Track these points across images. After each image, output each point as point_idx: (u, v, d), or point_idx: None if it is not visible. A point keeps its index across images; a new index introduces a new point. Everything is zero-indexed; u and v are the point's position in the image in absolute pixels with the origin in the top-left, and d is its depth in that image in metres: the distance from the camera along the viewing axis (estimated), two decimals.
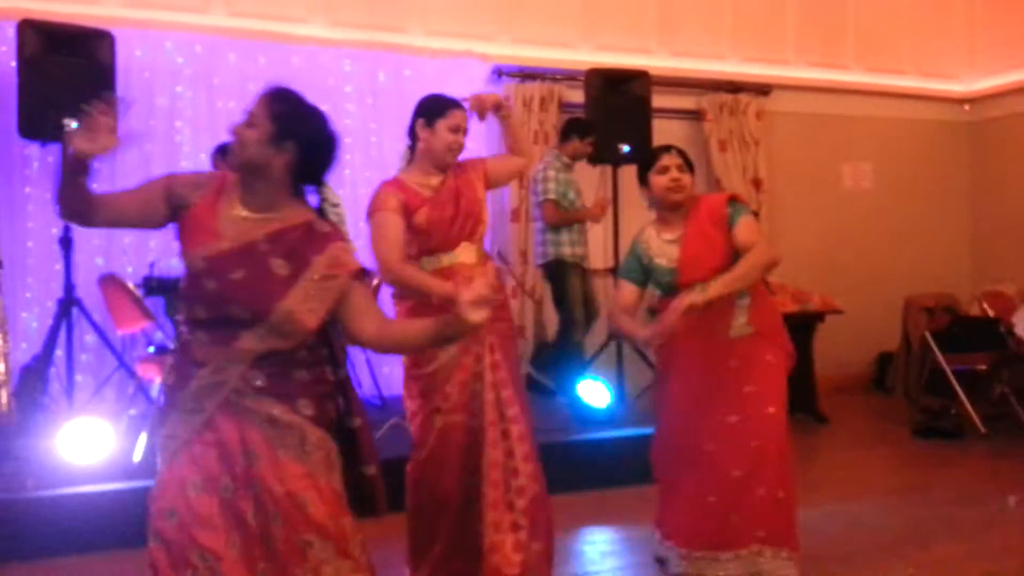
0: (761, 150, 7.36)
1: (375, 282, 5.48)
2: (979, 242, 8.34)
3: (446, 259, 3.01)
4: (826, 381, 6.79)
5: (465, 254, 3.03)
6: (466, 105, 3.10)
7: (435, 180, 3.06)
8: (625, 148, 5.91)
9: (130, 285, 4.94)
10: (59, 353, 5.00)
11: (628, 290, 3.21)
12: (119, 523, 3.57)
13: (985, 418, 5.88)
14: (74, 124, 2.26)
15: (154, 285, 4.97)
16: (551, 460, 3.24)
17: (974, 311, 6.79)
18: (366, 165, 6.09)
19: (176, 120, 5.72)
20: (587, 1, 6.95)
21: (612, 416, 5.19)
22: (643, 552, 3.54)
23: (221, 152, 4.94)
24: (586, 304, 5.91)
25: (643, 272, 3.20)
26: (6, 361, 4.56)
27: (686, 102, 7.24)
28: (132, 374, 5.03)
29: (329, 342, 2.16)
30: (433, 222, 2.98)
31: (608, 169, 6.34)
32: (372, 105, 6.21)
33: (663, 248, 3.15)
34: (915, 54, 8.12)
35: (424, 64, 6.31)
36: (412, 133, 3.09)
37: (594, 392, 5.25)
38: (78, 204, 2.06)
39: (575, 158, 5.88)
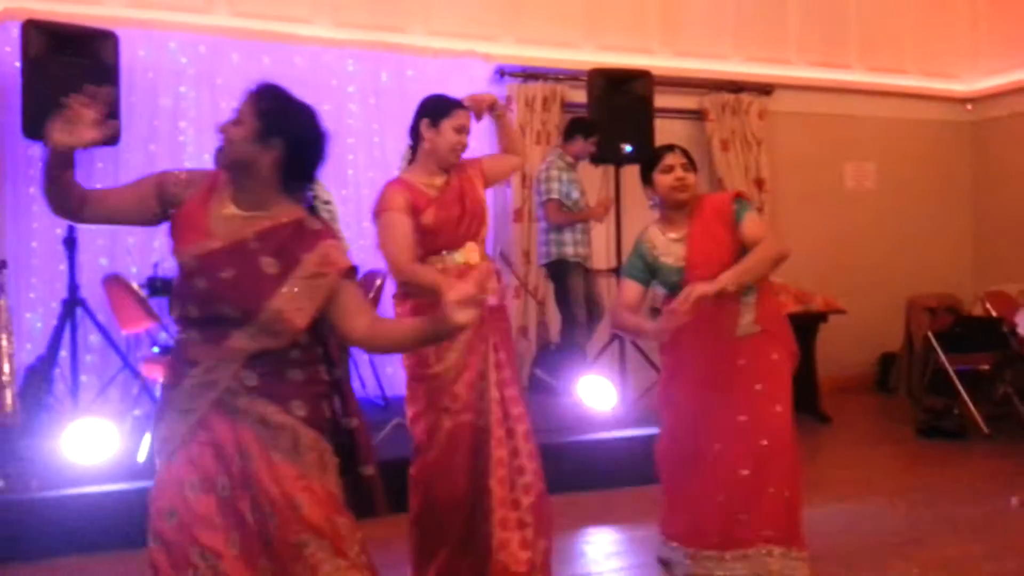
0: (763, 150, 7.36)
1: (378, 282, 5.52)
2: (982, 242, 8.33)
3: (456, 257, 3.01)
4: (829, 381, 6.80)
5: (470, 253, 3.04)
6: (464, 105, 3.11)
7: (439, 180, 3.06)
8: (627, 148, 5.91)
9: (134, 285, 4.94)
10: (63, 353, 5.01)
11: (632, 288, 3.20)
12: (123, 524, 3.56)
13: (988, 418, 5.88)
14: None
15: (158, 285, 4.99)
16: (554, 460, 3.25)
17: (977, 311, 6.80)
18: (369, 165, 6.09)
19: (180, 120, 5.72)
20: (589, 1, 6.94)
21: (615, 416, 5.18)
22: (646, 553, 3.53)
23: None
24: (590, 304, 5.91)
25: (647, 271, 3.19)
26: (10, 362, 4.56)
27: (688, 102, 7.24)
28: (136, 374, 5.04)
29: (324, 341, 2.15)
30: (441, 222, 2.99)
31: (611, 169, 6.34)
32: (375, 105, 6.20)
33: (669, 247, 3.14)
34: (917, 54, 8.10)
35: (427, 64, 6.31)
36: (413, 133, 3.09)
37: (597, 392, 5.25)
38: (63, 198, 2.04)
39: (578, 158, 5.89)
